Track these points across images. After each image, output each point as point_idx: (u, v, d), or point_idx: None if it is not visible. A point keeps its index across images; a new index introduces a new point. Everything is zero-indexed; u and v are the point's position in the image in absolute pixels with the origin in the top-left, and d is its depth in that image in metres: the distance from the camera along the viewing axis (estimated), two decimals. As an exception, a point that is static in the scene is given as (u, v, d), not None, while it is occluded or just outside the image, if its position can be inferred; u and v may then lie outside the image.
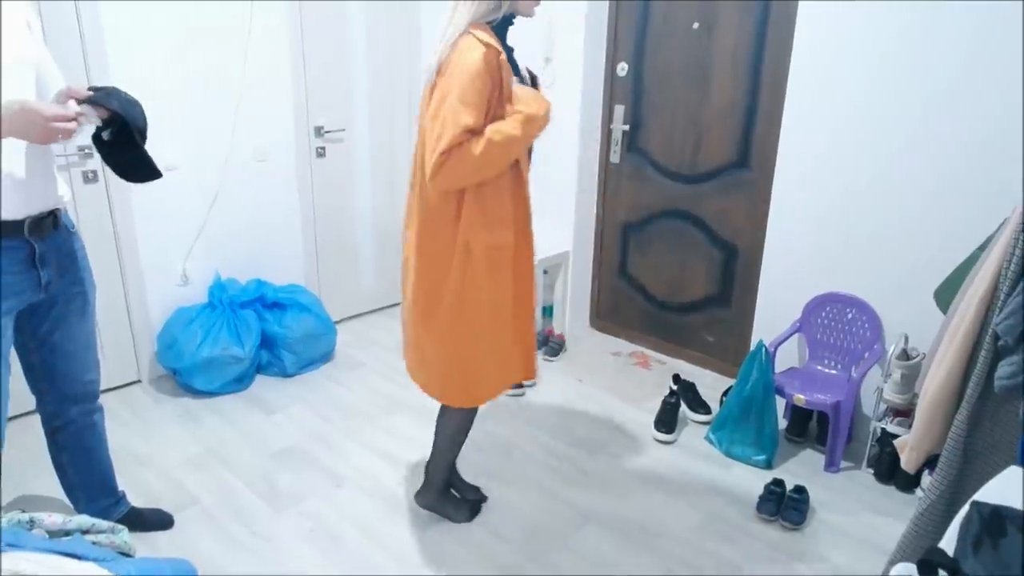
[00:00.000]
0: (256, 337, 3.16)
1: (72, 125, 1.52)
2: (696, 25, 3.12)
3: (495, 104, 1.79)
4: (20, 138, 1.52)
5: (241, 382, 3.18)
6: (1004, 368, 1.54)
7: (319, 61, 3.50)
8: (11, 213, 1.61)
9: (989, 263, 1.63)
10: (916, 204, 2.52)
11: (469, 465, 2.62)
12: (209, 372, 3.04)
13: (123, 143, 1.69)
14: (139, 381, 3.23)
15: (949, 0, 2.31)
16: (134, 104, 1.69)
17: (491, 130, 1.76)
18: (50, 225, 1.72)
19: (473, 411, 2.23)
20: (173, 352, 3.04)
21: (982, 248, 1.86)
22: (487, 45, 1.76)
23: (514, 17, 1.91)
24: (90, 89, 1.65)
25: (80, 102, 1.61)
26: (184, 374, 3.05)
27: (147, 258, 3.12)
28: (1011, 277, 1.52)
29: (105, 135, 1.68)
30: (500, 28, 1.87)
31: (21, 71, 1.59)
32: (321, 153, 3.63)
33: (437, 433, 2.26)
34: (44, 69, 1.68)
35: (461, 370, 2.06)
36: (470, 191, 1.86)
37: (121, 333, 3.12)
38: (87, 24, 2.73)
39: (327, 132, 3.62)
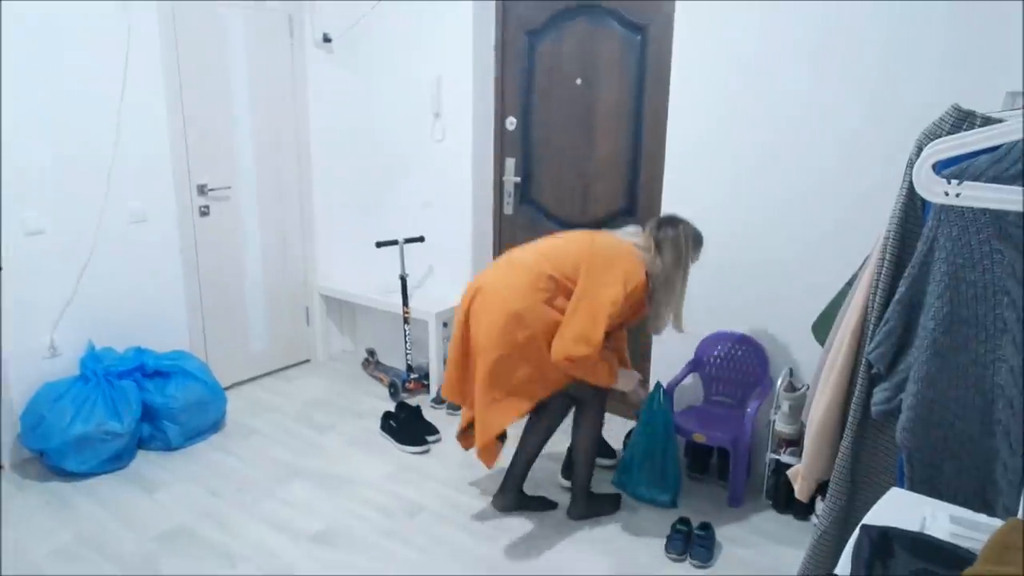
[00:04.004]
0: (136, 409, 2.93)
1: None
2: (579, 81, 3.25)
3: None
4: None
5: (120, 460, 2.93)
6: (878, 394, 1.64)
7: (200, 116, 3.39)
8: None
9: (857, 297, 1.74)
10: (793, 243, 2.69)
11: (367, 523, 2.51)
12: (82, 451, 2.79)
13: None
14: (0, 467, 2.92)
15: (807, 48, 2.53)
16: None
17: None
18: None
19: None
20: (40, 432, 2.77)
21: (849, 284, 1.99)
22: None
23: None
24: None
25: None
26: (53, 455, 2.78)
27: (9, 331, 2.86)
28: (877, 309, 1.64)
29: None
30: None
31: None
32: (205, 212, 3.48)
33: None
34: None
35: None
36: None
37: (-23, 415, 2.82)
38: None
39: (211, 190, 3.48)
